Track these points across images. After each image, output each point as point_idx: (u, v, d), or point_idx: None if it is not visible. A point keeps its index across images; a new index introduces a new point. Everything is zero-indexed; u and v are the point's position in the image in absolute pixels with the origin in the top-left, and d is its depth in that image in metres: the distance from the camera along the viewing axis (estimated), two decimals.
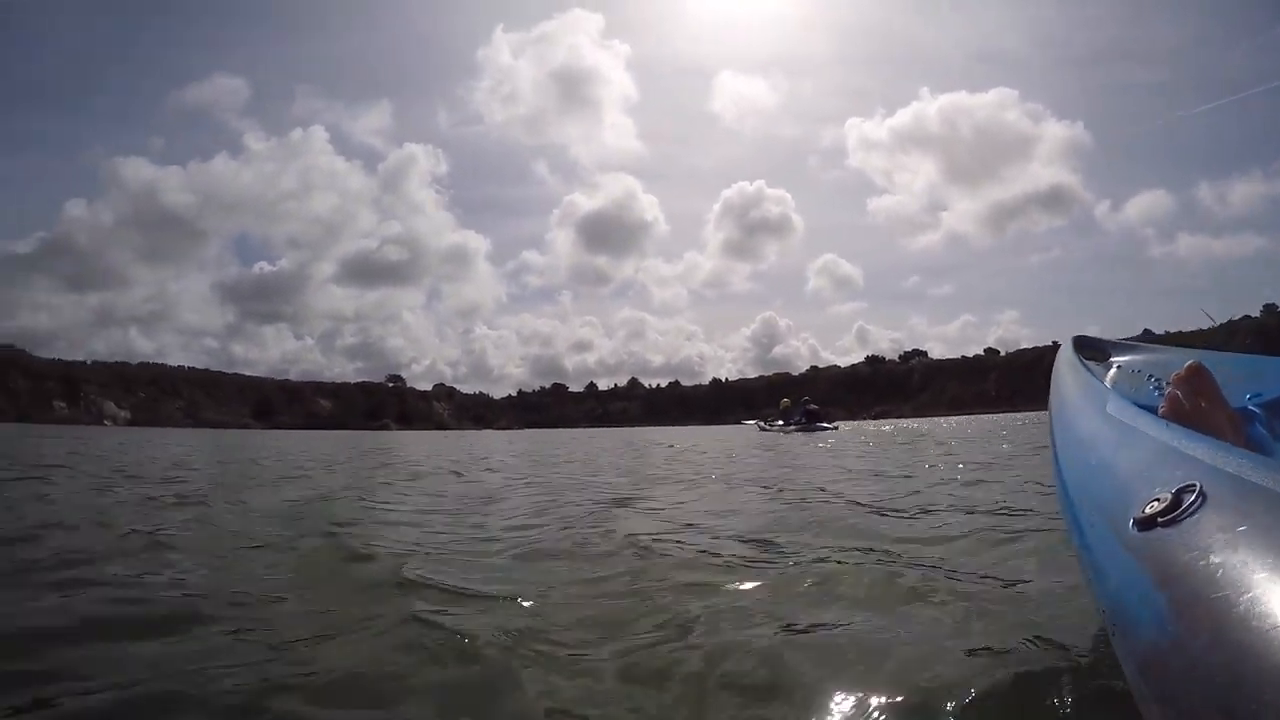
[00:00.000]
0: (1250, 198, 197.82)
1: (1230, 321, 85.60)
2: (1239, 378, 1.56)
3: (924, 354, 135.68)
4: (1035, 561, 2.59)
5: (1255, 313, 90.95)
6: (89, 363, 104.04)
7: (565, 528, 3.80)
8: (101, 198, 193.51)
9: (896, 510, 4.14)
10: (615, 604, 2.28)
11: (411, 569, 2.71)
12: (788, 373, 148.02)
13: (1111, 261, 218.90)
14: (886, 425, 38.89)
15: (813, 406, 23.27)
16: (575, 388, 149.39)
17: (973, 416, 56.19)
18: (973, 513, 3.84)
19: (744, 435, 21.79)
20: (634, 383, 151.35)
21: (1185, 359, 1.44)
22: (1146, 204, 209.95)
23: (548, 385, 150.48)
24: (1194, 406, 1.22)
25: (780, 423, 23.67)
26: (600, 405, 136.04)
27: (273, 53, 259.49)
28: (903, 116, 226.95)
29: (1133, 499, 0.87)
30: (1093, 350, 2.42)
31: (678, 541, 3.29)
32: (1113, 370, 2.28)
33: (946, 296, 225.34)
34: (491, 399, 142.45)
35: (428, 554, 3.12)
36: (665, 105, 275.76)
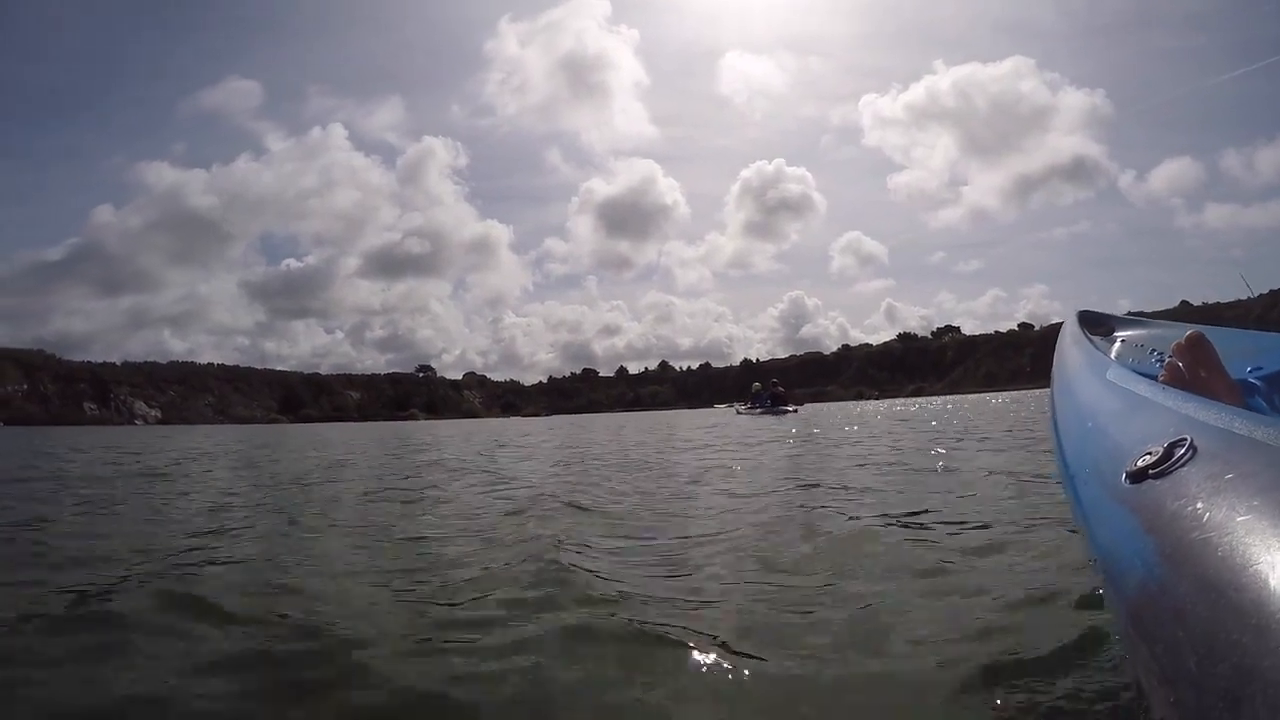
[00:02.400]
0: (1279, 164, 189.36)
1: (1272, 291, 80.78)
2: (1240, 352, 1.59)
3: (956, 330, 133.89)
4: None
5: None
6: (119, 364, 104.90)
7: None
8: (128, 203, 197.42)
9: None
10: None
11: None
12: (819, 352, 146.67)
13: (1140, 233, 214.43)
14: (887, 404, 38.64)
15: (779, 389, 25.06)
16: (606, 372, 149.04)
17: (1008, 393, 54.82)
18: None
19: (718, 418, 24.19)
20: (664, 366, 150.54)
21: (1187, 333, 1.41)
22: (1172, 173, 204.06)
23: (578, 371, 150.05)
24: (1193, 375, 1.23)
25: (749, 406, 25.42)
26: (631, 389, 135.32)
27: (281, 55, 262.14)
28: (916, 91, 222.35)
29: (1126, 455, 0.89)
30: (1096, 324, 2.51)
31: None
32: (1116, 344, 2.36)
33: (974, 272, 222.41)
34: (522, 386, 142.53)
35: None
36: (676, 88, 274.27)
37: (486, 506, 4.21)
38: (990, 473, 4.72)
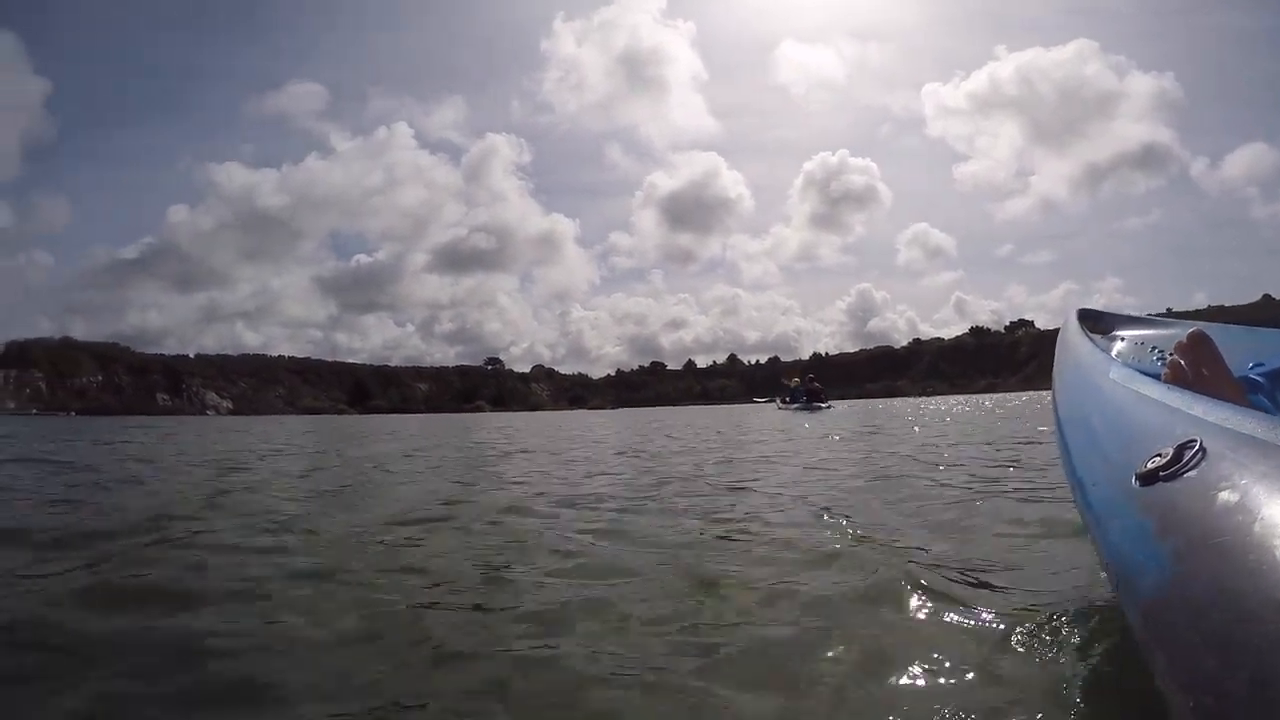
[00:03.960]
0: None
1: None
2: (1241, 349, 1.58)
3: (1030, 324, 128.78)
4: None
5: None
6: (192, 356, 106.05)
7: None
8: (201, 203, 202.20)
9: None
10: None
11: None
12: (889, 346, 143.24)
13: (1215, 223, 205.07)
14: (932, 402, 37.76)
15: (815, 385, 25.64)
16: (673, 366, 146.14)
17: None
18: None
19: (765, 414, 24.42)
20: (733, 359, 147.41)
21: (1185, 332, 1.40)
22: (1247, 159, 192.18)
23: (646, 364, 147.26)
24: (1196, 374, 1.22)
25: (787, 401, 26.19)
26: (699, 383, 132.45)
27: (341, 58, 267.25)
28: (979, 79, 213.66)
29: (1135, 456, 0.90)
30: (1097, 323, 2.47)
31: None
32: (1117, 343, 2.32)
33: (1045, 264, 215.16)
34: (590, 379, 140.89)
35: None
36: (735, 80, 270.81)
37: None
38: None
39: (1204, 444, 0.77)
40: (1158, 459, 0.81)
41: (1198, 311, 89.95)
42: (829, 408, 23.56)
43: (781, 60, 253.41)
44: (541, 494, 4.39)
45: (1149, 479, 0.81)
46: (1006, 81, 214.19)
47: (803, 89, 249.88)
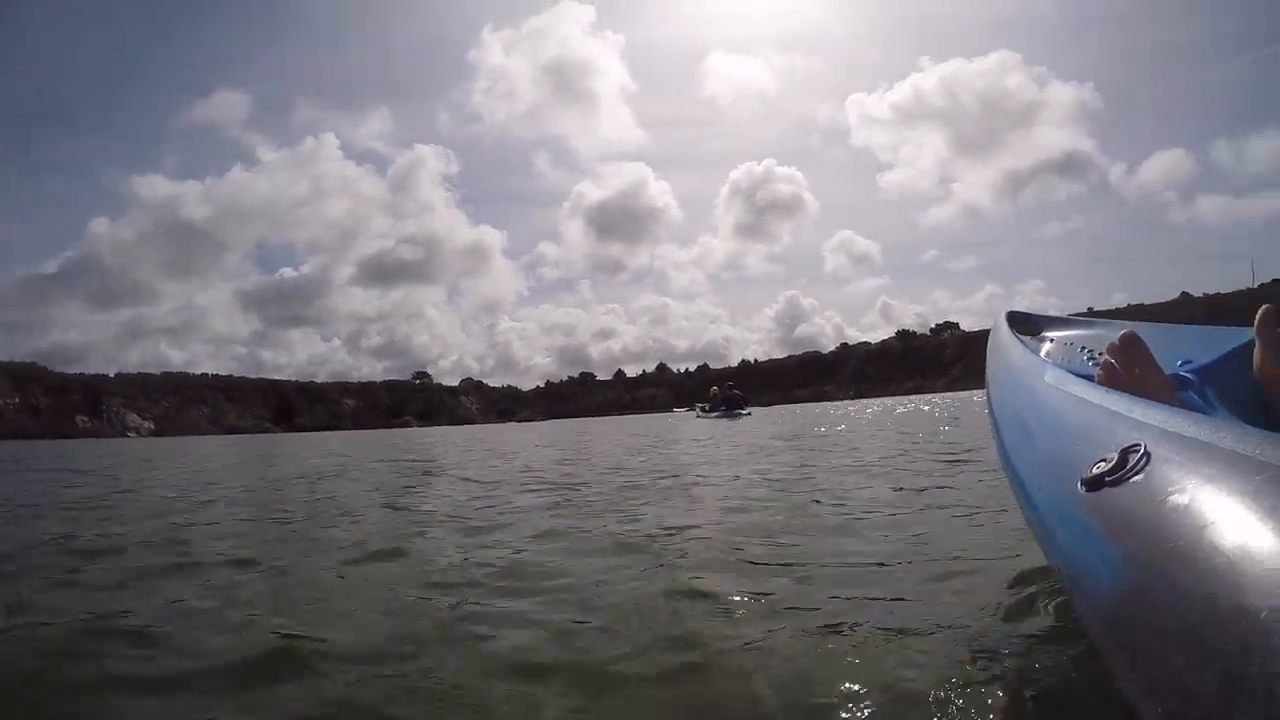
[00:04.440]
0: (1271, 154, 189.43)
1: (1275, 280, 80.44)
2: (1170, 346, 1.59)
3: (955, 326, 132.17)
4: None
5: None
6: (113, 375, 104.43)
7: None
8: (123, 215, 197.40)
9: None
10: None
11: None
12: (817, 351, 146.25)
13: (1134, 226, 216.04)
14: (855, 406, 38.21)
15: (735, 393, 26.64)
16: (603, 375, 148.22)
17: None
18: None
19: (687, 422, 24.58)
20: (662, 368, 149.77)
21: (1114, 332, 1.44)
22: (1165, 165, 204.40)
23: (575, 375, 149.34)
24: (1128, 374, 1.24)
25: (707, 409, 27.11)
26: (629, 392, 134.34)
27: (268, 67, 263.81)
28: (903, 90, 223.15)
29: (1077, 461, 0.89)
30: (1026, 325, 2.48)
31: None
32: (1047, 344, 2.33)
33: (969, 269, 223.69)
34: (520, 391, 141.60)
35: None
36: (663, 91, 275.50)
37: None
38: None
39: (1148, 448, 0.77)
40: (1102, 464, 0.81)
41: (1118, 310, 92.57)
42: (748, 414, 24.42)
43: (710, 71, 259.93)
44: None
45: (1094, 484, 0.81)
46: (930, 92, 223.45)
47: (730, 100, 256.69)
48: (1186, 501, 0.66)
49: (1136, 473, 0.76)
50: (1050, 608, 1.71)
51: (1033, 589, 1.89)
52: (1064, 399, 1.18)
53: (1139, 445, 0.79)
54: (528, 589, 2.36)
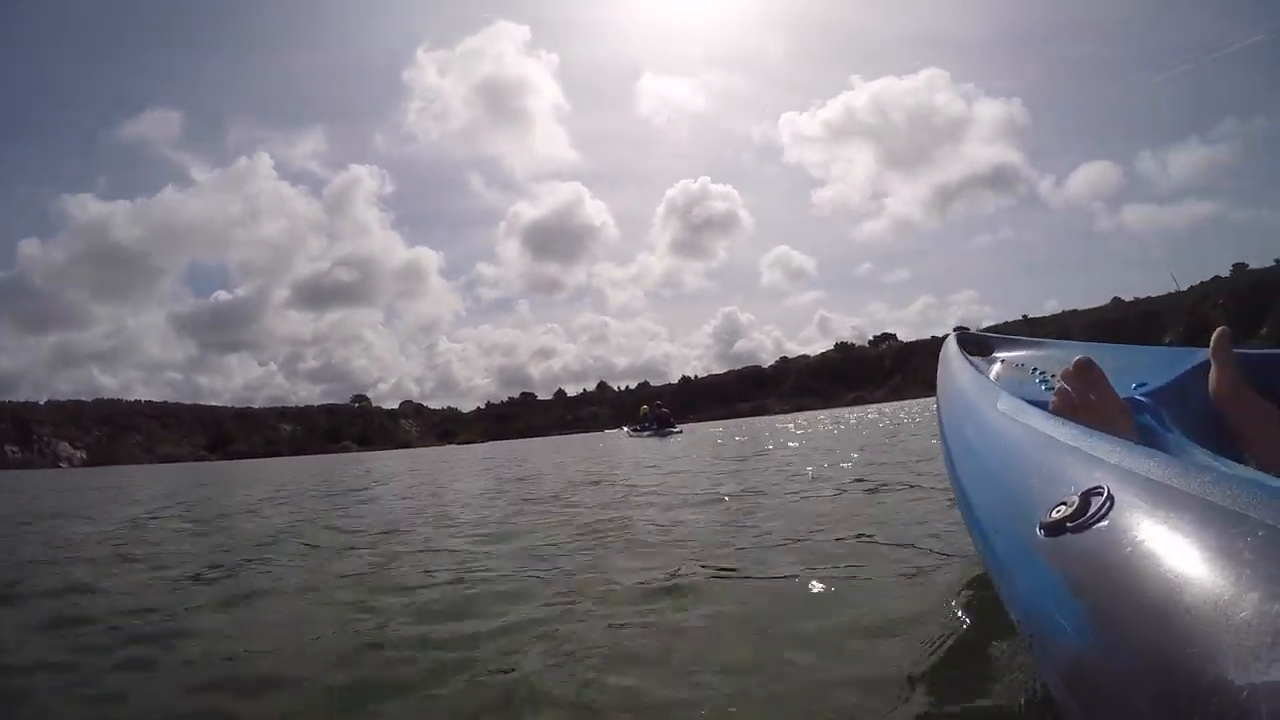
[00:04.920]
0: (1192, 164, 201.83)
1: (1201, 284, 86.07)
2: (1124, 368, 1.56)
3: (893, 337, 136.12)
4: None
5: (1224, 273, 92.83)
6: (42, 403, 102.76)
7: None
8: (53, 236, 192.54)
9: None
10: None
11: None
12: (758, 365, 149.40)
13: (1063, 235, 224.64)
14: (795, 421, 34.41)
15: (663, 412, 26.51)
16: (544, 395, 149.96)
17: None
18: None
19: (615, 441, 24.53)
20: (603, 386, 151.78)
21: (1068, 353, 1.42)
22: (1092, 176, 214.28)
23: (516, 395, 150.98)
24: (1084, 400, 1.20)
25: (638, 428, 26.83)
26: (570, 411, 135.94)
27: (201, 84, 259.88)
28: (834, 108, 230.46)
29: (1037, 502, 0.84)
30: (976, 345, 2.45)
31: None
32: (997, 365, 2.28)
33: (902, 281, 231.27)
34: (460, 413, 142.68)
35: None
36: (598, 110, 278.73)
37: None
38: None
39: (1111, 491, 0.72)
40: (1063, 508, 0.75)
41: (1052, 316, 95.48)
42: (679, 433, 24.48)
43: (643, 91, 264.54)
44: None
45: (1055, 529, 0.75)
46: (861, 109, 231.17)
47: (665, 118, 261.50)
48: (1154, 552, 0.61)
49: (1100, 519, 0.70)
50: (1008, 656, 1.54)
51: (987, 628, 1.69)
52: (1019, 431, 1.10)
53: (1101, 488, 0.73)
54: None
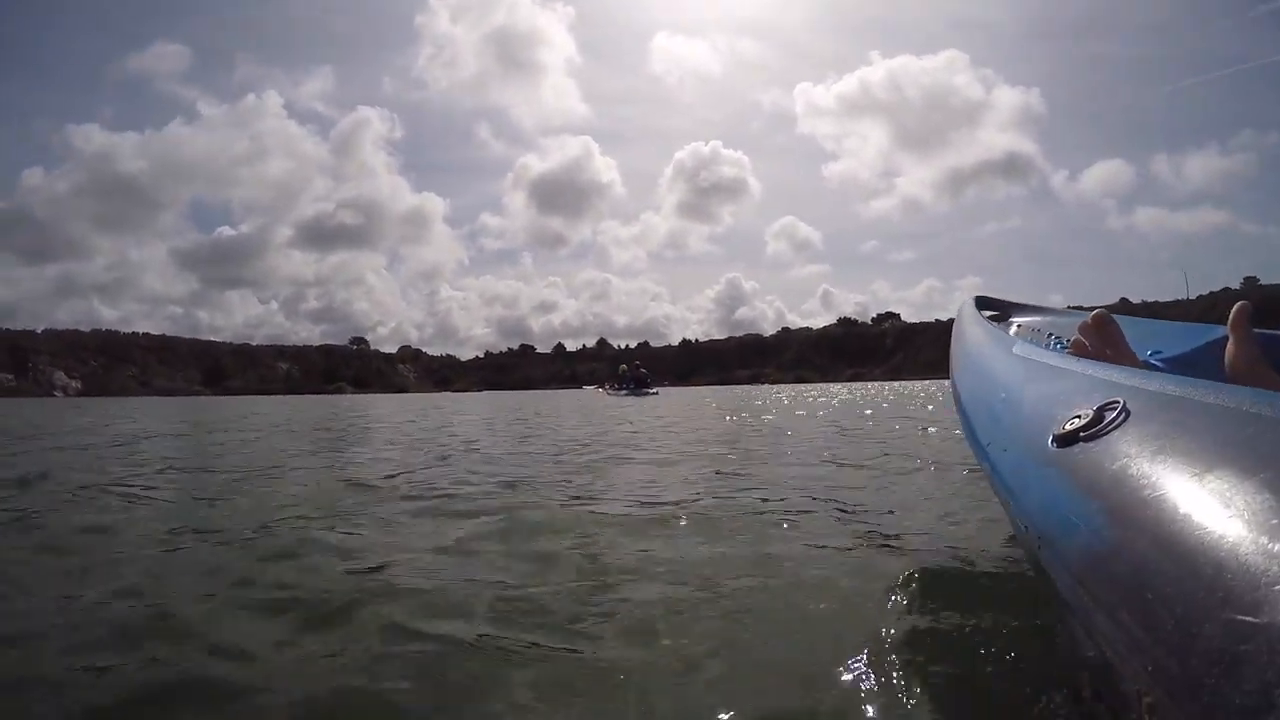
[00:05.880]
0: (1207, 172, 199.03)
1: (1211, 293, 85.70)
2: (1140, 337, 1.55)
3: (896, 316, 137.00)
4: None
5: (1235, 285, 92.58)
6: (39, 331, 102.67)
7: None
8: (57, 167, 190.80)
9: None
10: None
11: None
12: (758, 334, 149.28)
13: (1072, 231, 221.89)
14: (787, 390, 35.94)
15: (641, 372, 27.13)
16: (543, 349, 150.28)
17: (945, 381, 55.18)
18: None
19: (589, 398, 25.52)
20: (602, 343, 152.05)
21: (1092, 314, 1.47)
22: (1105, 174, 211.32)
23: (515, 346, 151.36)
24: (1099, 354, 1.18)
25: (615, 387, 27.71)
26: (568, 366, 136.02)
27: (211, 19, 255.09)
28: (850, 82, 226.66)
29: (1049, 421, 0.86)
30: (994, 309, 2.48)
31: None
32: (1013, 328, 2.32)
33: (908, 261, 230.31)
34: (458, 361, 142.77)
35: None
36: (610, 66, 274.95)
37: None
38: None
39: (1126, 404, 0.74)
40: (1076, 420, 0.77)
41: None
42: (655, 394, 24.81)
43: (658, 49, 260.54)
44: None
45: (1068, 440, 0.77)
46: (877, 85, 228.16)
47: (677, 79, 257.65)
48: (1170, 456, 0.62)
49: (1114, 428, 0.72)
50: (1016, 571, 1.62)
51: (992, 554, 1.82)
52: (1033, 366, 1.13)
53: (1117, 401, 0.75)
54: None
